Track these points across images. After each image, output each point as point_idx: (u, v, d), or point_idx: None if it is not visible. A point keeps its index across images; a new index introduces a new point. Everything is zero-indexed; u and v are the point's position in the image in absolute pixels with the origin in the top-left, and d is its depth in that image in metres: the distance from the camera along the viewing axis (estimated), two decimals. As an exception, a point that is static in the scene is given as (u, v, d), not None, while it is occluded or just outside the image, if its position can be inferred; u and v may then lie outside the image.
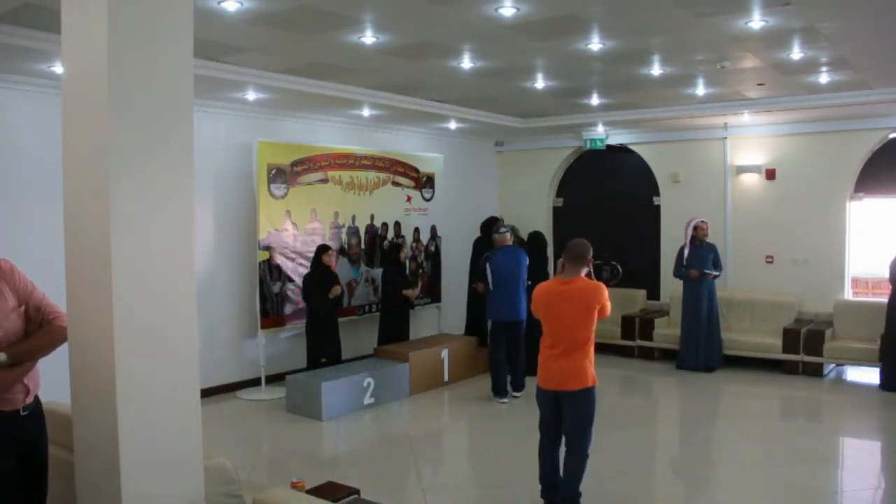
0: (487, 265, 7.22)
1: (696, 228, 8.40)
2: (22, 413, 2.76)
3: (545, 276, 7.39)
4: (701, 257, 8.33)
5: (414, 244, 9.13)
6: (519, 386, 7.31)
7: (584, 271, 4.36)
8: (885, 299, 7.75)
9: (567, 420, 4.35)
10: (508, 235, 7.38)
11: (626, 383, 8.29)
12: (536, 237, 8.39)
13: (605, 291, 4.31)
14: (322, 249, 7.36)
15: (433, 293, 9.41)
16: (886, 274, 7.62)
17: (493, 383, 7.22)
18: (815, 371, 8.00)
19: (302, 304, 7.49)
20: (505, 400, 7.14)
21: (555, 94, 7.62)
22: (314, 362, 7.28)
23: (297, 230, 7.69)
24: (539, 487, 4.53)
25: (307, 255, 7.62)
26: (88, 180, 2.53)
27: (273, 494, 2.70)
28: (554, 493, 4.48)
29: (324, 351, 7.29)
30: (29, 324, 2.79)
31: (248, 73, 6.17)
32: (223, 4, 4.38)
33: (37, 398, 2.87)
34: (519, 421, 6.72)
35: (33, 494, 2.83)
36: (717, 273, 8.36)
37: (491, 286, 7.18)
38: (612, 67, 6.28)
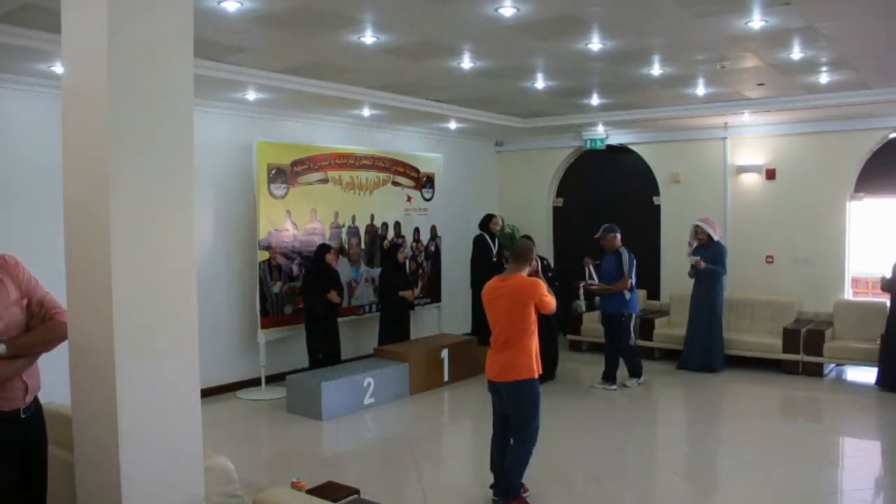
0: (635, 263, 7.75)
1: (694, 229, 8.43)
2: (22, 415, 2.74)
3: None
4: (702, 258, 8.32)
5: (414, 244, 9.13)
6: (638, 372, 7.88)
7: (526, 270, 4.56)
8: (884, 299, 7.75)
9: (508, 412, 4.52)
10: None
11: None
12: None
13: (542, 287, 4.47)
14: (325, 249, 7.35)
15: (433, 293, 9.40)
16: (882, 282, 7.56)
17: (633, 369, 7.81)
18: (815, 371, 8.00)
19: (302, 304, 7.49)
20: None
21: (555, 94, 7.62)
22: (315, 360, 7.28)
23: (297, 230, 7.68)
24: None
25: (307, 254, 7.62)
26: (88, 180, 2.53)
27: (273, 494, 2.70)
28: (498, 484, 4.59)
29: (322, 347, 7.29)
30: (31, 318, 2.77)
31: (248, 73, 6.17)
32: (223, 4, 4.38)
33: (37, 400, 2.85)
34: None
35: (32, 496, 2.81)
36: (707, 265, 8.12)
37: (634, 283, 7.78)
38: (612, 67, 6.28)
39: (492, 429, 4.70)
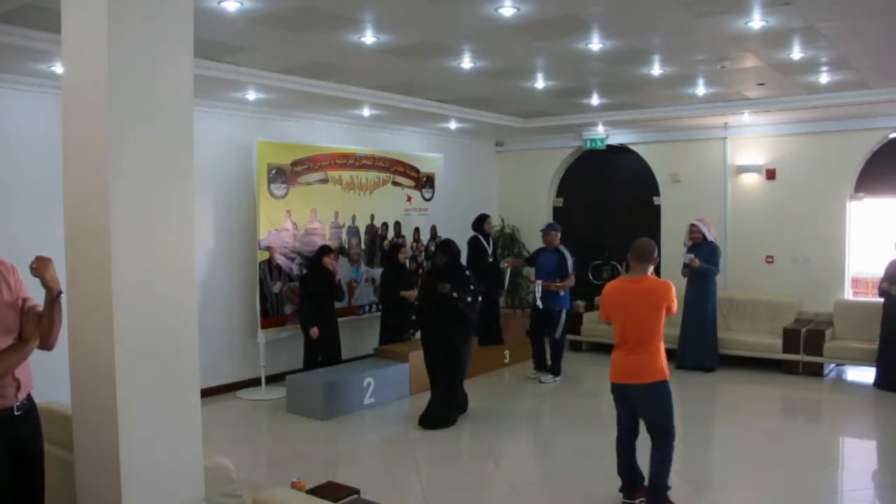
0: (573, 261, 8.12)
1: (689, 228, 8.44)
2: (16, 413, 2.74)
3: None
4: (696, 257, 8.31)
5: (414, 244, 9.13)
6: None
7: (650, 269, 4.47)
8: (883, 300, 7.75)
9: (644, 416, 4.47)
10: None
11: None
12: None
13: (673, 290, 4.41)
14: (323, 252, 7.31)
15: (433, 293, 9.38)
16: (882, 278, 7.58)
17: (556, 367, 8.13)
18: (815, 371, 8.00)
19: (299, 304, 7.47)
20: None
21: (555, 94, 7.62)
22: (311, 362, 7.26)
23: (298, 230, 7.68)
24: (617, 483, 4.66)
25: (307, 254, 7.61)
26: (88, 180, 2.53)
27: (273, 494, 2.70)
28: (631, 487, 4.58)
29: (322, 350, 7.28)
30: (23, 316, 2.79)
31: (248, 73, 6.17)
32: (223, 4, 4.38)
33: (30, 397, 2.85)
34: (518, 421, 6.72)
35: (28, 495, 2.80)
36: (701, 264, 8.18)
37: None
38: (612, 67, 6.28)
39: (617, 431, 4.65)
